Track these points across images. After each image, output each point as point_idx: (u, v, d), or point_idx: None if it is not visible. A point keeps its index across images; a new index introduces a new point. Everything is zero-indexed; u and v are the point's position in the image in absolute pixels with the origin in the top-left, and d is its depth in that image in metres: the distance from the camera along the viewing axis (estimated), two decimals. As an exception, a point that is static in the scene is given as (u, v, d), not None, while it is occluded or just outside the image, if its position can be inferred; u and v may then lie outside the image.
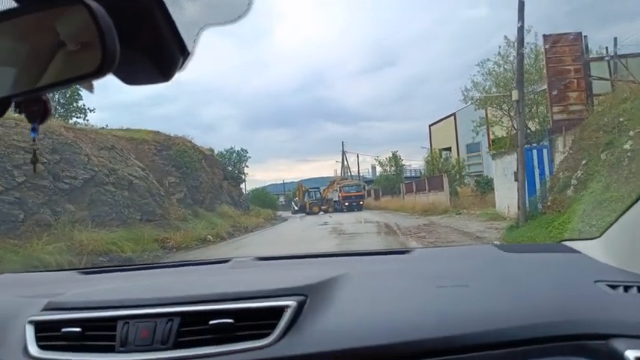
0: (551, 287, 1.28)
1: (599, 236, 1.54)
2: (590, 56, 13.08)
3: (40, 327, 1.18)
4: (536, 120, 16.73)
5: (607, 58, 12.67)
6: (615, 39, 12.88)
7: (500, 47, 18.26)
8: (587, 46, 12.67)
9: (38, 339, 1.16)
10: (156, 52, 0.54)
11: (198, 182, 22.76)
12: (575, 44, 12.29)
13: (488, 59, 18.78)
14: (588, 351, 1.03)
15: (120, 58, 0.48)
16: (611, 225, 1.49)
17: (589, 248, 1.56)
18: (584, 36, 12.51)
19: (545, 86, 12.68)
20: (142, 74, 0.57)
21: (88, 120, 19.84)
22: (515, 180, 14.42)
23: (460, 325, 1.09)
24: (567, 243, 1.73)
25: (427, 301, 1.23)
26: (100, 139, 16.29)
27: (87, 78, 0.50)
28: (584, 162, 8.81)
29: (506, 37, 17.75)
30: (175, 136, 23.57)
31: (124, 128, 21.42)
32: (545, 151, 12.07)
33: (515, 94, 10.69)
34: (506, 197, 15.43)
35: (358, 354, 1.05)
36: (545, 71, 12.57)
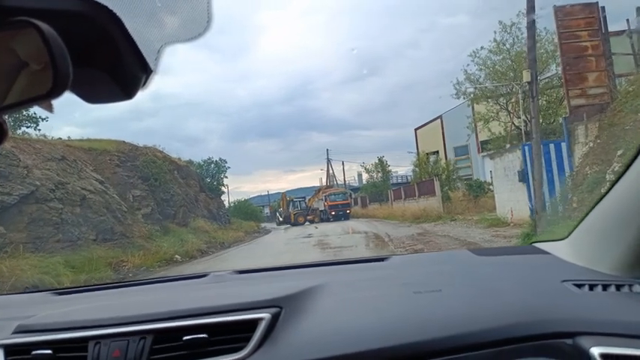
0: (519, 288, 1.31)
1: (566, 237, 1.58)
2: (609, 30, 11.18)
3: (10, 350, 1.18)
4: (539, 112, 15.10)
5: (629, 33, 10.97)
6: (638, 9, 11.27)
7: (495, 33, 16.65)
8: (605, 19, 10.83)
9: None
10: (116, 71, 0.54)
11: (169, 195, 20.90)
12: (592, 16, 10.48)
13: (482, 47, 17.11)
14: (555, 349, 1.05)
15: (79, 77, 0.49)
16: (578, 226, 1.52)
17: (557, 249, 1.59)
18: (602, 7, 10.69)
19: (550, 74, 11.06)
20: (103, 93, 0.57)
21: (39, 129, 17.74)
22: (520, 180, 12.88)
23: (433, 330, 1.10)
24: (537, 245, 1.77)
25: (403, 308, 1.25)
26: (47, 150, 14.32)
27: (41, 99, 0.50)
28: (619, 152, 7.10)
29: (501, 22, 16.21)
30: (144, 146, 21.79)
31: (85, 139, 19.62)
32: (562, 144, 10.42)
33: (526, 75, 8.92)
34: (509, 200, 13.99)
35: None
36: (556, 50, 10.91)
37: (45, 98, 0.49)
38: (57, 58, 0.47)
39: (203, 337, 1.11)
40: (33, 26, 0.46)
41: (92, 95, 0.57)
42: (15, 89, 0.51)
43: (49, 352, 1.15)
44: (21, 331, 1.24)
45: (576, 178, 8.70)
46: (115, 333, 1.15)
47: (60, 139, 18.40)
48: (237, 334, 1.13)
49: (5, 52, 0.50)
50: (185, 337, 1.11)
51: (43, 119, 17.69)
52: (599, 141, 8.20)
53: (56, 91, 0.48)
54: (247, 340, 1.11)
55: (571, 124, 10.42)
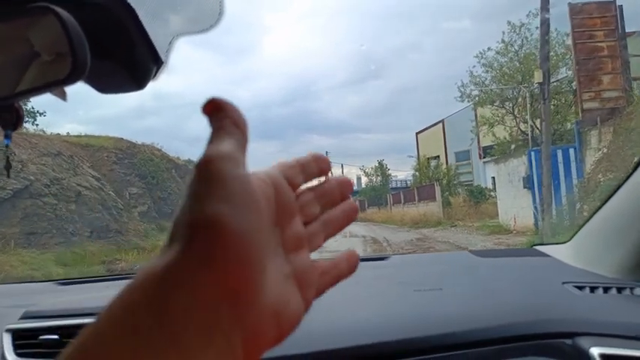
0: (520, 289, 1.34)
1: (568, 240, 1.60)
2: (627, 30, 10.54)
3: (18, 335, 1.22)
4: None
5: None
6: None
7: (503, 33, 16.38)
8: (622, 18, 10.36)
9: (16, 347, 1.19)
10: (128, 62, 0.55)
11: (167, 194, 20.66)
12: (609, 15, 10.03)
13: (489, 48, 16.84)
14: (555, 349, 1.06)
15: (92, 66, 0.49)
16: (579, 229, 1.54)
17: (559, 252, 1.60)
18: (620, 5, 10.25)
19: (560, 77, 10.78)
20: (114, 83, 0.58)
21: (37, 124, 17.49)
22: (525, 187, 12.64)
23: (433, 327, 1.12)
24: (538, 247, 1.78)
25: (403, 305, 1.27)
26: (43, 145, 14.09)
27: (57, 85, 0.51)
28: (637, 159, 6.76)
29: (509, 22, 15.96)
30: (142, 144, 21.54)
31: (82, 135, 19.43)
32: (570, 150, 10.13)
33: (538, 76, 8.62)
34: (513, 207, 13.71)
35: (332, 355, 1.07)
36: (567, 53, 10.62)
37: (61, 84, 0.50)
38: (75, 44, 0.47)
39: None
40: (52, 12, 0.46)
41: (104, 85, 0.57)
42: (26, 79, 0.51)
43: (55, 337, 1.18)
44: (28, 317, 1.28)
45: (588, 186, 8.41)
46: None
47: (58, 134, 18.21)
48: None
49: (21, 42, 0.50)
50: None
51: (40, 114, 17.45)
52: (613, 147, 7.91)
53: (73, 78, 0.48)
54: None
55: (583, 129, 10.09)
